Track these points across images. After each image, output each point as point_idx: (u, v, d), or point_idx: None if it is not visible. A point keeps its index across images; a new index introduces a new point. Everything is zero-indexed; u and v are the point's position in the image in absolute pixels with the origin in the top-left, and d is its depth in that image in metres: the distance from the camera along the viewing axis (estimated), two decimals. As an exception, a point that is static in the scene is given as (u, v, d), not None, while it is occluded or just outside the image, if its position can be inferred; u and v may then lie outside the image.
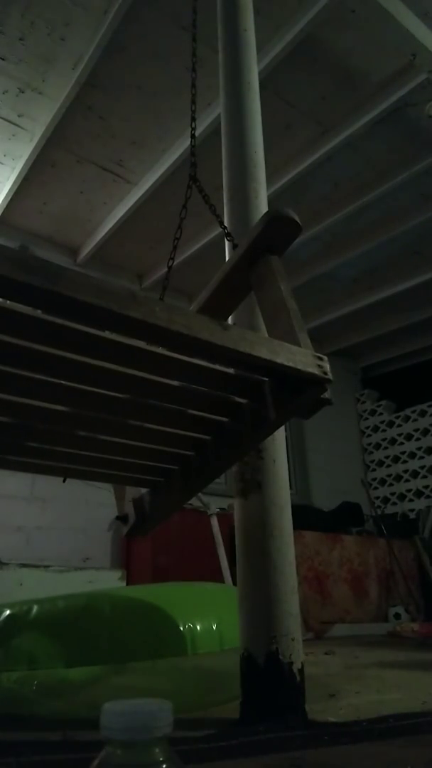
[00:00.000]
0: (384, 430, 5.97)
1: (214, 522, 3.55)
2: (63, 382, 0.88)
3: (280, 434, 1.51)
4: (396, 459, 5.77)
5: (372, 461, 6.00)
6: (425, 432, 5.56)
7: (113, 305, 0.67)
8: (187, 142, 2.17)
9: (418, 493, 5.45)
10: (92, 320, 0.71)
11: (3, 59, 2.85)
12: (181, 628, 1.62)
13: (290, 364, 0.85)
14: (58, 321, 0.71)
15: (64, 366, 0.83)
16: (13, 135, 3.33)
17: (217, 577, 3.17)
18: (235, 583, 1.64)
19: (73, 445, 1.11)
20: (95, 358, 0.82)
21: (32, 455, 1.15)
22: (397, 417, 5.87)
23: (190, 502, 2.72)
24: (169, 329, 0.71)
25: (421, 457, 5.53)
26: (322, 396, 0.93)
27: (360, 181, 3.79)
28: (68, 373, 0.87)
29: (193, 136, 1.72)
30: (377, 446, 5.99)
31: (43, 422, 1.02)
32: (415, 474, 5.54)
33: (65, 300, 0.65)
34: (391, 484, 5.73)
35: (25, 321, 0.71)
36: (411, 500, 5.47)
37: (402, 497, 5.57)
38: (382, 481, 5.81)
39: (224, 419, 1.07)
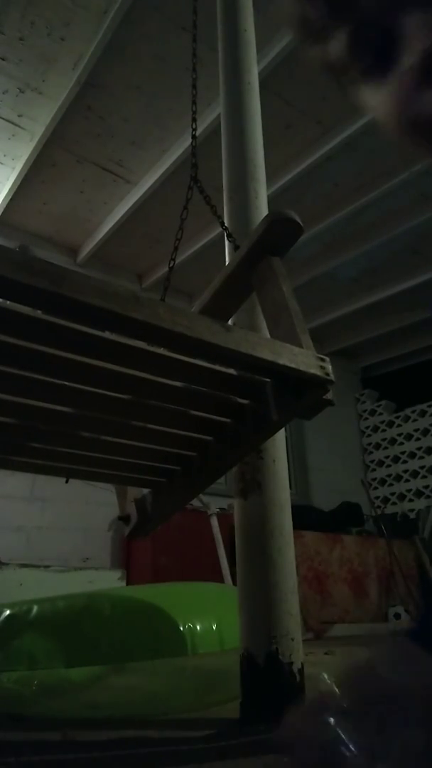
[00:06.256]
0: (384, 430, 5.97)
1: (214, 522, 3.55)
2: (66, 383, 0.88)
3: (280, 434, 1.51)
4: (396, 459, 5.77)
5: (372, 461, 6.00)
6: (425, 432, 5.56)
7: (117, 307, 0.67)
8: (187, 142, 2.17)
9: (418, 493, 5.45)
10: (96, 322, 0.71)
11: (3, 59, 2.85)
12: (181, 628, 1.62)
13: (293, 365, 0.86)
14: (61, 322, 0.71)
15: (67, 367, 0.83)
16: (13, 135, 3.33)
17: (217, 577, 3.17)
18: (235, 583, 1.64)
19: (76, 445, 1.11)
20: (98, 359, 0.82)
21: (35, 456, 1.15)
22: (397, 417, 5.87)
23: (190, 502, 2.73)
24: (173, 330, 0.71)
25: (421, 457, 5.53)
26: (324, 397, 0.93)
27: (360, 181, 3.79)
28: (71, 374, 0.87)
29: (194, 136, 1.72)
30: (377, 446, 5.99)
31: (47, 423, 1.02)
32: (415, 474, 5.55)
33: (69, 302, 0.65)
34: (391, 484, 5.73)
35: (28, 322, 0.71)
36: (411, 500, 5.47)
37: (402, 497, 5.57)
38: (382, 481, 5.81)
39: (226, 420, 1.07)
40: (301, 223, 1.08)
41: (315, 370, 0.88)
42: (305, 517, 4.38)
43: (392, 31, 0.41)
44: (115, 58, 2.85)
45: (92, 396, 0.92)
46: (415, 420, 5.70)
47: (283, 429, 1.39)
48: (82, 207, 4.00)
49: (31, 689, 1.45)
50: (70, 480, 1.36)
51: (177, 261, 1.58)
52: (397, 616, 4.14)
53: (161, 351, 0.82)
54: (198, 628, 1.65)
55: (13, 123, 3.25)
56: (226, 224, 1.61)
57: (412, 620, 3.88)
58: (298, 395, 0.92)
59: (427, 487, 5.40)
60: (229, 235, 1.51)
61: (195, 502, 3.47)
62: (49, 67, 2.90)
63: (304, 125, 3.33)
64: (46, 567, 3.31)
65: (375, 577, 4.37)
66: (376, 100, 0.47)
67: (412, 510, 5.38)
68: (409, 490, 5.54)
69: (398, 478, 5.69)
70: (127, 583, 3.56)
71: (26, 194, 3.80)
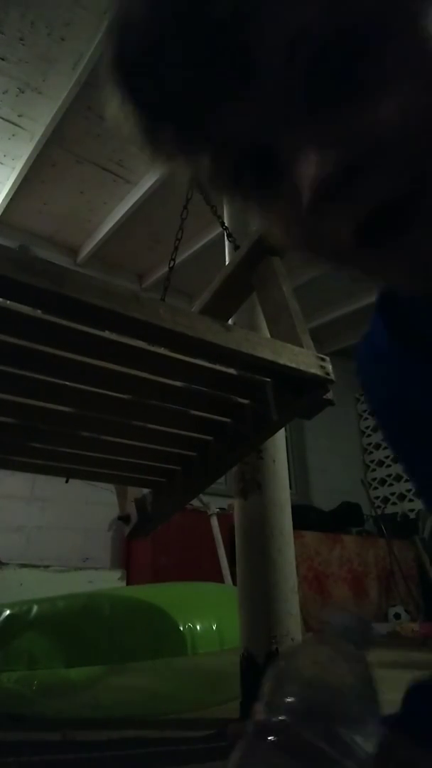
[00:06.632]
0: (384, 430, 5.96)
1: (214, 522, 3.55)
2: (66, 383, 0.88)
3: (280, 434, 1.51)
4: (396, 459, 5.76)
5: (372, 461, 6.00)
6: (425, 432, 5.55)
7: (117, 307, 0.67)
8: (188, 143, 2.17)
9: (419, 493, 5.44)
10: (96, 321, 0.71)
11: (3, 59, 2.85)
12: (181, 628, 1.62)
13: (293, 365, 0.86)
14: (62, 322, 0.72)
15: (67, 367, 0.83)
16: (13, 135, 3.33)
17: (217, 577, 3.17)
18: (235, 583, 1.65)
19: (76, 445, 1.11)
20: (98, 359, 0.82)
21: (35, 456, 1.15)
22: (397, 417, 5.86)
23: (190, 502, 2.73)
24: (173, 330, 0.71)
25: (421, 457, 5.53)
26: (324, 397, 0.93)
27: (360, 182, 3.79)
28: (71, 374, 0.87)
29: (193, 136, 1.72)
30: (377, 446, 5.99)
31: (47, 423, 1.02)
32: (414, 474, 5.54)
33: (70, 302, 0.65)
34: (391, 484, 5.73)
35: (28, 322, 0.71)
36: (411, 500, 5.47)
37: (402, 497, 5.57)
38: (382, 481, 5.81)
39: (226, 420, 1.07)
40: (301, 223, 1.08)
41: (315, 370, 0.88)
42: (305, 517, 4.38)
43: (265, 152, 0.34)
44: (115, 58, 2.84)
45: (92, 396, 0.92)
46: (415, 420, 5.69)
47: (283, 429, 1.39)
48: (82, 207, 4.00)
49: (31, 689, 1.45)
50: (70, 480, 1.36)
51: (177, 261, 1.58)
52: (397, 616, 4.14)
53: (162, 351, 0.82)
54: (198, 628, 1.65)
55: (13, 123, 3.25)
56: (226, 224, 1.61)
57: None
58: (299, 395, 0.92)
59: (427, 487, 5.39)
60: (229, 235, 1.51)
61: (195, 502, 3.47)
62: (49, 67, 2.90)
63: (304, 125, 3.33)
64: (46, 567, 3.31)
65: (375, 577, 4.37)
66: (263, 218, 0.40)
67: (412, 510, 5.38)
68: (409, 490, 5.54)
69: (398, 478, 5.69)
70: (127, 583, 3.56)
71: (26, 194, 3.80)
